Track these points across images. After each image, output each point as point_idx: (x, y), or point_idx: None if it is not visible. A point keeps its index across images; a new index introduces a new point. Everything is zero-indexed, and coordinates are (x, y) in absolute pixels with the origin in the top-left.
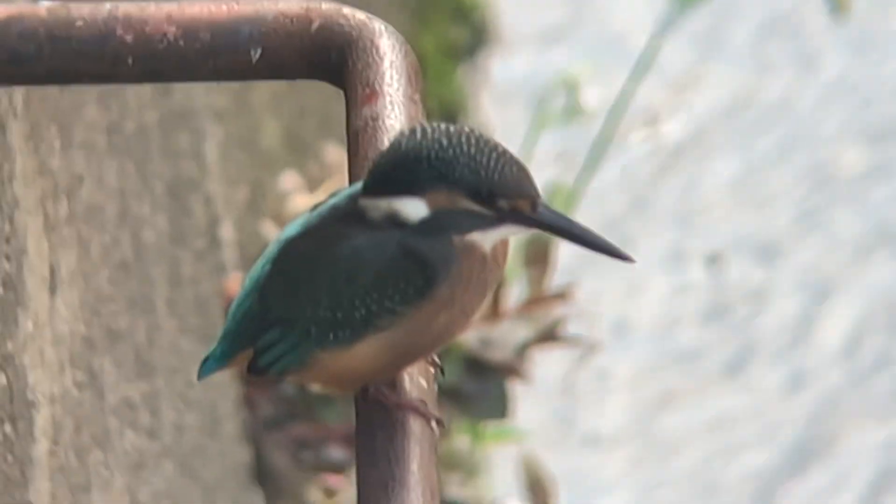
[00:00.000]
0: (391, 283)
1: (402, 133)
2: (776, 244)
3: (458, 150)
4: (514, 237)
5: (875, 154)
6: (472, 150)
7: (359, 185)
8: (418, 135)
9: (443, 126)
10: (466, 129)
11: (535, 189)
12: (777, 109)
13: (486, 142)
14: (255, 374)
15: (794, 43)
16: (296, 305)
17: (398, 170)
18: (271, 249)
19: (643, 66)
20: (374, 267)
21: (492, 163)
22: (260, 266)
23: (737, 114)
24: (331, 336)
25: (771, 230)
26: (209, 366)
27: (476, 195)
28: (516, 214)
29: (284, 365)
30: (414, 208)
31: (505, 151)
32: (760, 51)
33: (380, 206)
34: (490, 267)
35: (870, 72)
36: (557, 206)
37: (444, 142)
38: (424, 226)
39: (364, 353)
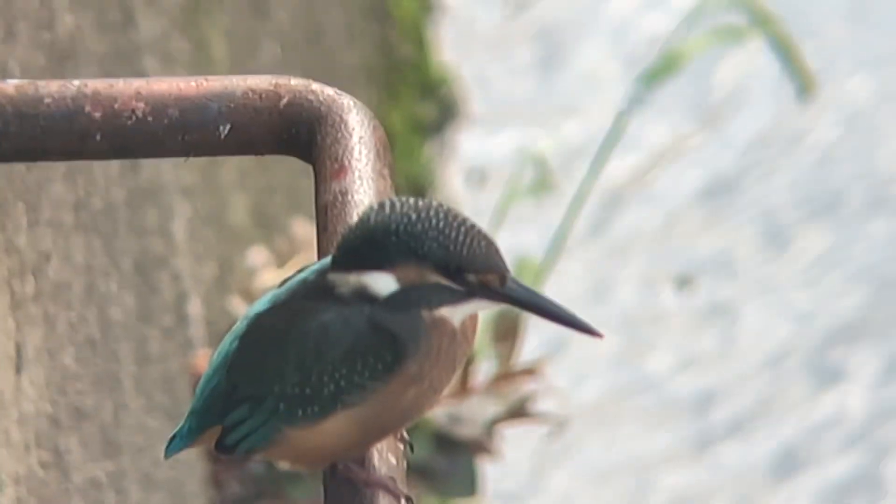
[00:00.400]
0: (360, 359)
1: (370, 207)
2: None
3: (427, 225)
4: (483, 312)
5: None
6: (441, 224)
7: (328, 260)
8: (387, 209)
9: (411, 200)
10: (435, 203)
11: (503, 264)
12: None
13: (455, 216)
14: (223, 452)
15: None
16: (264, 382)
17: (367, 244)
18: (239, 325)
19: (611, 141)
20: (343, 342)
21: (461, 237)
22: (228, 342)
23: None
24: (299, 413)
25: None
26: (176, 444)
27: (445, 270)
28: (485, 289)
29: (252, 443)
30: (383, 283)
31: (473, 226)
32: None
33: (349, 280)
34: (459, 342)
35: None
36: (526, 281)
37: (413, 216)
38: (393, 300)
39: (333, 429)
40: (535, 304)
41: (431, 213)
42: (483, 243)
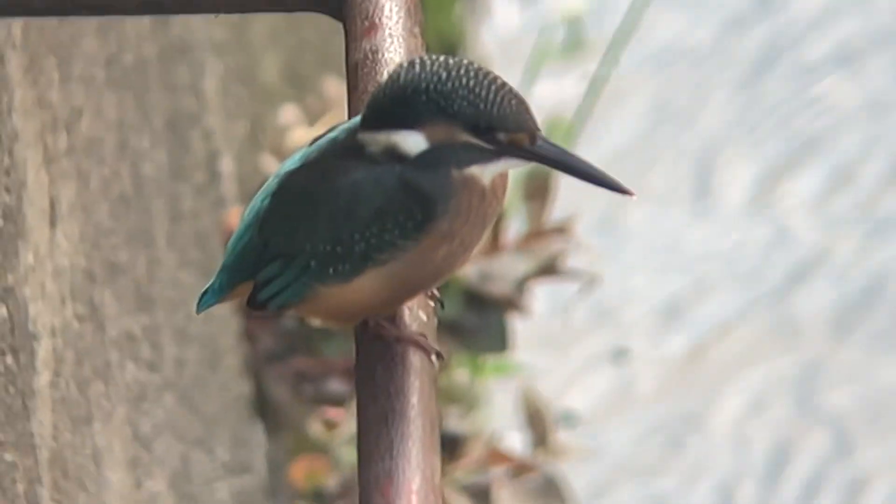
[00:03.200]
0: (390, 217)
1: (400, 66)
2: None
3: (456, 84)
4: (514, 171)
5: None
6: (472, 83)
7: (358, 120)
8: (416, 68)
9: (441, 59)
10: (465, 62)
11: (534, 122)
12: None
13: (486, 75)
14: (255, 307)
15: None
16: (295, 240)
17: (397, 103)
18: (271, 183)
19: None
20: (374, 201)
21: (491, 96)
22: (259, 200)
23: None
24: (330, 270)
25: None
26: (208, 298)
27: (475, 129)
28: (515, 148)
29: (284, 299)
30: (413, 142)
31: (504, 84)
32: None
33: (378, 139)
34: (489, 201)
35: None
36: (557, 140)
37: (443, 75)
38: (423, 159)
39: (364, 286)
40: (566, 162)
41: (462, 71)
42: (514, 102)
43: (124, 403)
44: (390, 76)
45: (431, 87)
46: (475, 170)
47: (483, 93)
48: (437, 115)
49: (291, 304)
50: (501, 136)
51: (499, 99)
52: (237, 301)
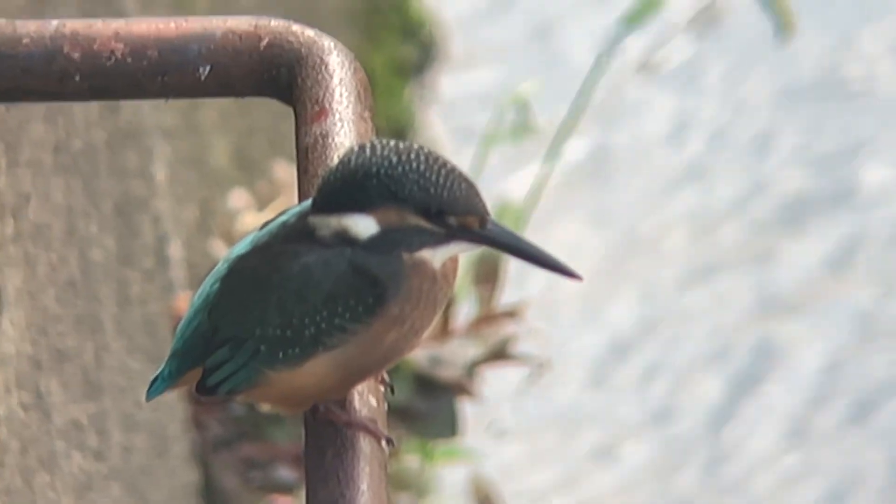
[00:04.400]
0: (341, 301)
1: (350, 150)
2: None
3: (407, 168)
4: (464, 255)
5: None
6: (422, 167)
7: (308, 203)
8: (367, 152)
9: (392, 143)
10: (416, 146)
11: (483, 206)
12: None
13: (435, 159)
14: (204, 393)
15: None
16: (245, 324)
17: (347, 186)
18: (220, 268)
19: (590, 84)
20: (324, 284)
21: (441, 180)
22: (209, 284)
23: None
24: (280, 354)
25: None
26: (158, 386)
27: (425, 212)
28: (465, 231)
29: (234, 384)
30: (363, 225)
31: (453, 168)
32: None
33: (329, 223)
34: (440, 284)
35: None
36: (506, 224)
37: (394, 159)
38: (374, 243)
39: (314, 371)
40: (515, 245)
41: (412, 155)
42: (463, 185)
43: (70, 493)
44: (341, 160)
45: (382, 171)
46: (426, 253)
47: (433, 177)
48: (387, 200)
49: (241, 389)
50: (451, 220)
51: (448, 183)
52: (185, 388)
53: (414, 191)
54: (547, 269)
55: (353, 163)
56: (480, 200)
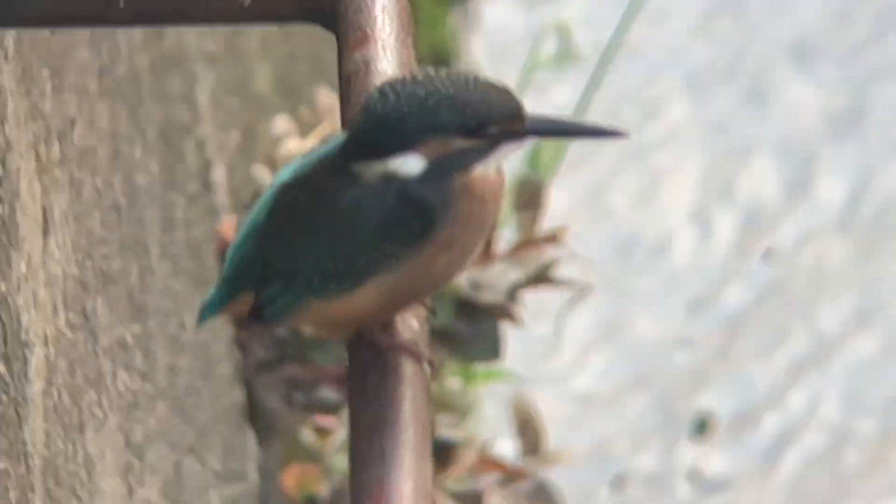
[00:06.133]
0: (391, 231)
1: (372, 96)
2: None
3: (437, 96)
4: (510, 176)
5: None
6: (451, 90)
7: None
8: (391, 96)
9: (409, 78)
10: (432, 72)
11: (517, 105)
12: None
13: (458, 77)
14: (257, 321)
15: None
16: (296, 258)
17: (383, 133)
18: (267, 195)
19: (634, 8)
20: (373, 215)
21: (472, 97)
22: (256, 212)
23: None
24: (332, 286)
25: None
26: (208, 311)
27: (466, 131)
28: (508, 134)
29: (285, 315)
30: (411, 164)
31: (478, 79)
32: None
33: (373, 169)
34: (489, 205)
35: None
36: (548, 150)
37: (421, 93)
38: (425, 176)
39: (364, 298)
40: (560, 129)
41: (437, 83)
42: (493, 93)
43: (116, 412)
44: (366, 108)
45: (414, 109)
46: (479, 169)
47: (465, 95)
48: (426, 133)
49: (291, 317)
50: (493, 129)
51: (479, 97)
52: (236, 312)
53: (450, 116)
54: (596, 137)
55: (380, 109)
56: (514, 100)
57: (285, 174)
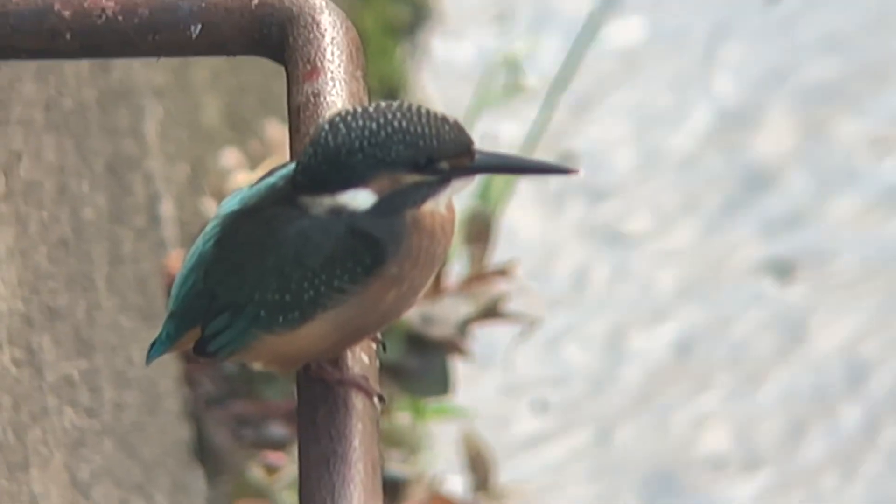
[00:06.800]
0: (340, 263)
1: (323, 128)
2: None
3: (389, 130)
4: (459, 211)
5: None
6: (403, 123)
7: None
8: (344, 127)
9: (360, 110)
10: (384, 105)
11: (468, 140)
12: None
13: (410, 110)
14: (203, 356)
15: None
16: (243, 290)
17: (334, 166)
18: (212, 226)
19: (583, 42)
20: (323, 248)
21: (423, 130)
22: (201, 243)
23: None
24: (280, 319)
25: None
26: (157, 348)
27: (417, 167)
28: (458, 170)
29: (233, 348)
30: (361, 198)
31: (429, 114)
32: None
33: (322, 202)
34: (439, 240)
35: None
36: (498, 184)
37: (373, 125)
38: (375, 211)
39: (312, 333)
40: (506, 164)
41: (389, 116)
42: (445, 128)
43: (62, 449)
44: (317, 140)
45: (365, 142)
46: (429, 204)
47: (416, 129)
48: (377, 168)
49: (239, 352)
50: (443, 164)
51: (431, 131)
52: (184, 348)
53: (401, 150)
54: (544, 174)
55: (332, 142)
56: (465, 135)
57: (231, 203)
